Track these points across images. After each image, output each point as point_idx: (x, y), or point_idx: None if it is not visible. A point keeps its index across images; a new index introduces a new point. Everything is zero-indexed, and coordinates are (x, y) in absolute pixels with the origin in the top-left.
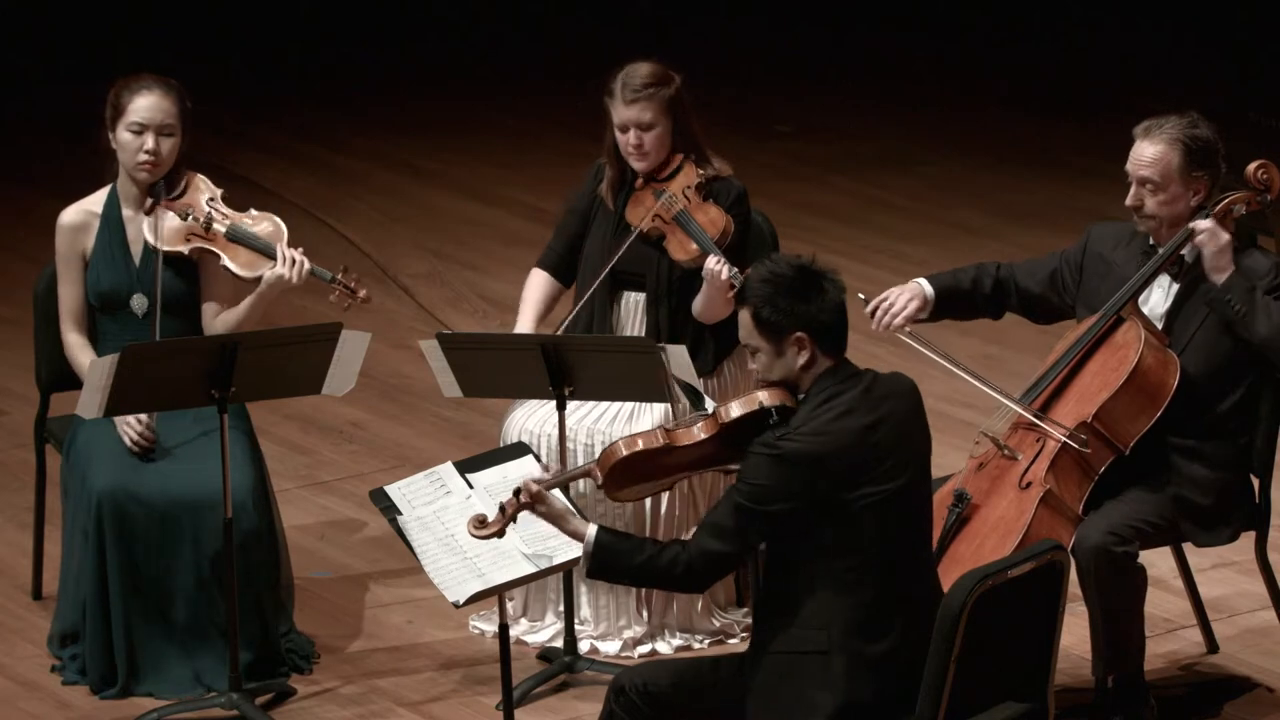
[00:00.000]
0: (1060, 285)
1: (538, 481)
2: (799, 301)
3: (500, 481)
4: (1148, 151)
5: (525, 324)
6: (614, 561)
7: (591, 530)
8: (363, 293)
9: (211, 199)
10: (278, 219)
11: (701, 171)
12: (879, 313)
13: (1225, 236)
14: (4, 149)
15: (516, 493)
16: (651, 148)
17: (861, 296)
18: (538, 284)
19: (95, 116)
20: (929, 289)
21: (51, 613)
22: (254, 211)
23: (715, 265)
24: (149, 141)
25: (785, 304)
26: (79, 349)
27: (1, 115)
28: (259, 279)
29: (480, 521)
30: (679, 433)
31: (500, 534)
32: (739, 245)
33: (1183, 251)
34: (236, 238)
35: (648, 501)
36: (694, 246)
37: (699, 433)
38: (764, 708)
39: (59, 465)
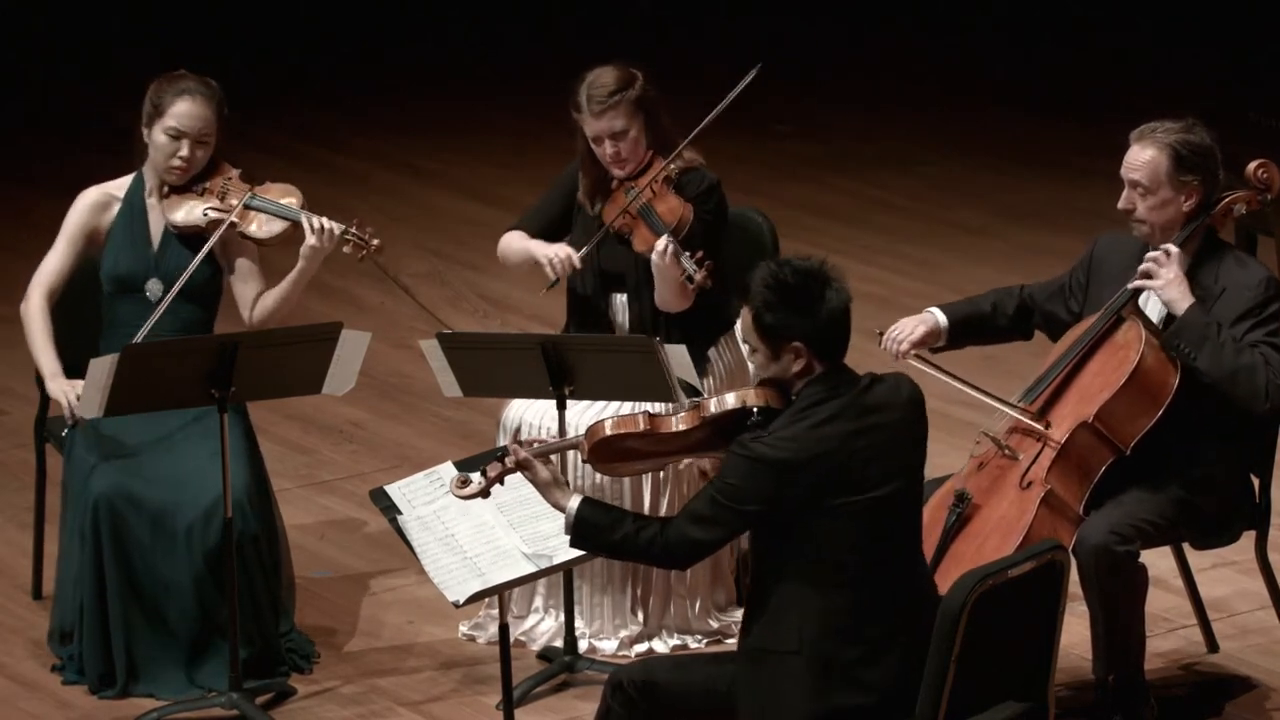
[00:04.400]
0: (1068, 297)
1: (525, 446)
2: (798, 312)
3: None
4: (1139, 155)
5: (542, 244)
6: (593, 535)
7: (574, 501)
8: (375, 241)
9: (228, 178)
10: (289, 185)
11: (668, 162)
12: (888, 341)
13: (1171, 272)
14: (4, 149)
15: (501, 457)
16: (629, 154)
17: (878, 332)
18: (523, 235)
19: (92, 117)
20: (941, 318)
21: (51, 612)
22: (269, 183)
23: (662, 244)
24: (183, 149)
25: (784, 313)
26: (40, 312)
27: (1, 115)
28: (276, 237)
29: (463, 481)
30: (661, 420)
31: (484, 495)
32: (703, 235)
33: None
34: (251, 205)
35: (630, 482)
36: (653, 236)
37: (680, 424)
38: (744, 702)
39: (59, 465)
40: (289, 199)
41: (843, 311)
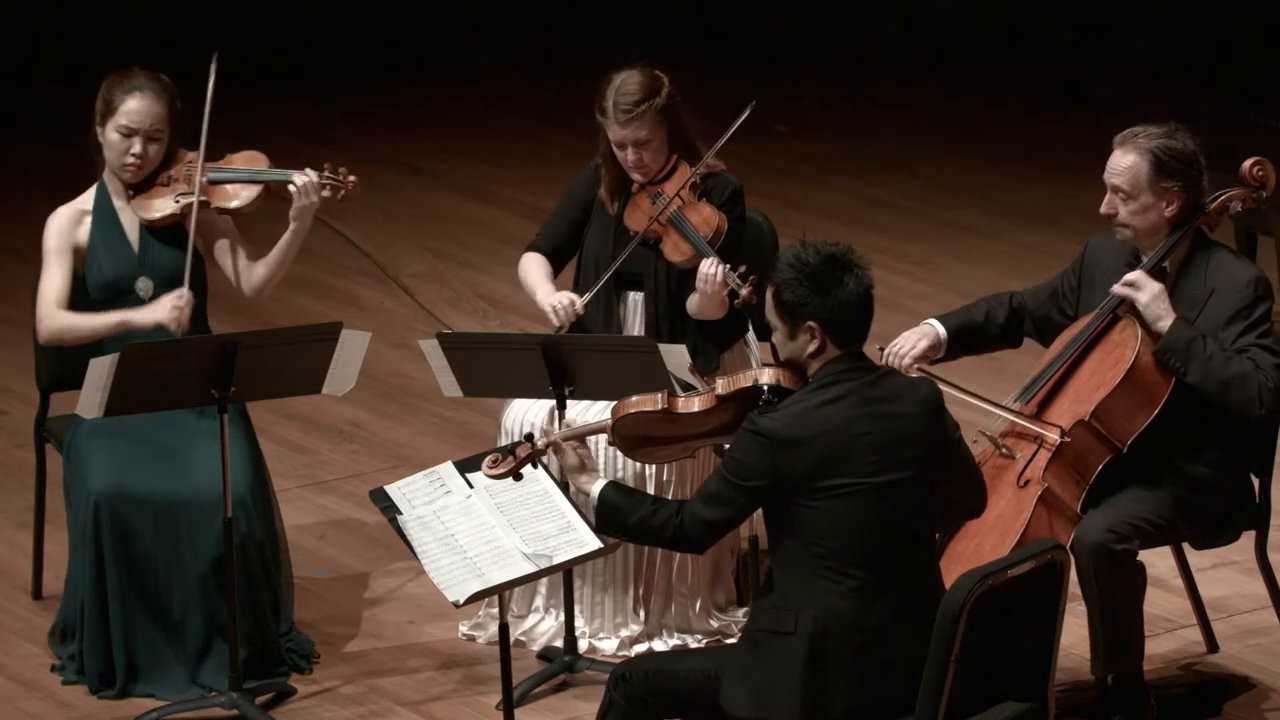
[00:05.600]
0: (1061, 300)
1: (553, 430)
2: (815, 292)
3: (500, 480)
4: (1120, 161)
5: (545, 291)
6: (613, 518)
7: (598, 487)
8: (352, 178)
9: (189, 162)
10: (254, 151)
11: (695, 170)
12: (890, 356)
13: (1154, 288)
14: (4, 149)
15: (529, 437)
16: (651, 161)
17: (878, 348)
18: (539, 262)
19: (93, 117)
20: (941, 329)
21: (52, 612)
22: (230, 155)
23: (709, 268)
24: (136, 145)
25: (802, 292)
26: (68, 315)
27: (1, 115)
28: (252, 203)
29: (494, 460)
30: (678, 400)
31: (514, 476)
32: (734, 241)
33: (1164, 264)
34: (221, 179)
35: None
36: (688, 247)
37: (697, 404)
38: (736, 682)
39: (59, 465)
40: (257, 164)
41: (860, 297)
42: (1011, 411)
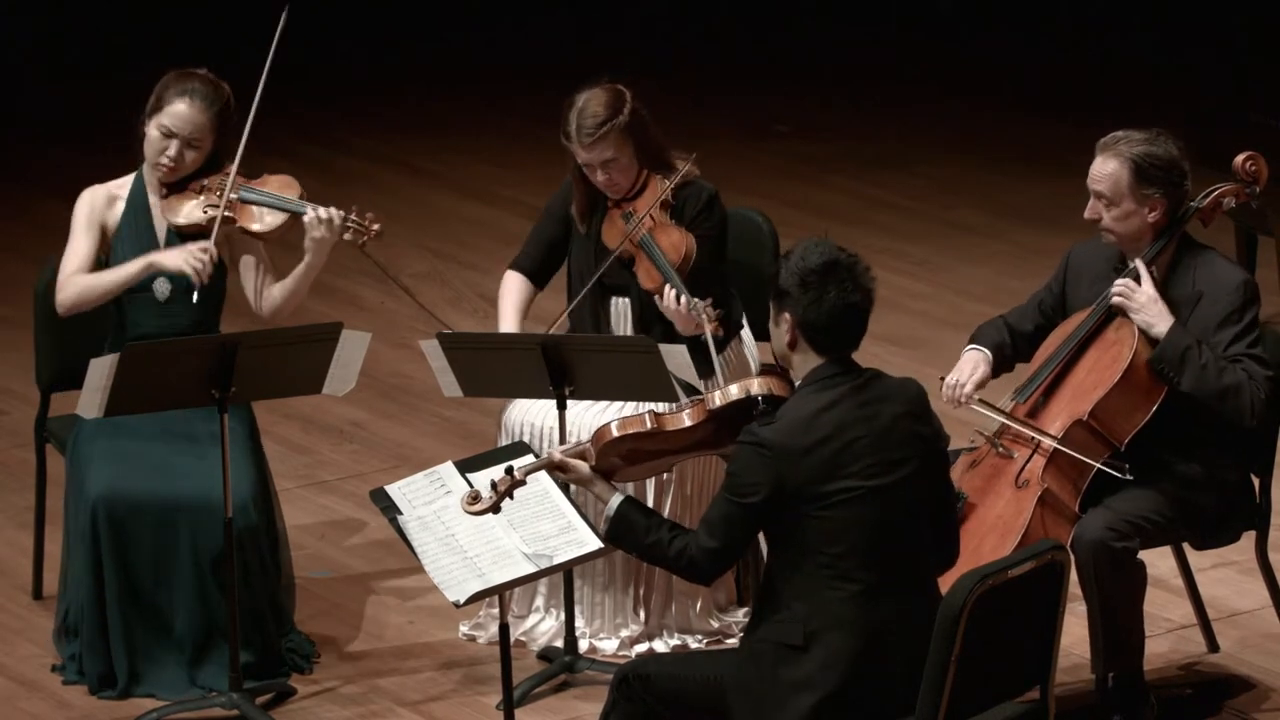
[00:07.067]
0: (1052, 313)
1: (529, 466)
2: (798, 287)
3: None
4: (1102, 168)
5: (510, 324)
6: (628, 534)
7: (615, 500)
8: (375, 226)
9: (227, 174)
10: (289, 177)
11: (667, 183)
12: (951, 390)
13: (1144, 296)
14: (3, 149)
15: (509, 470)
16: (621, 178)
17: (942, 378)
18: (515, 286)
19: (93, 116)
20: (986, 350)
21: (53, 613)
22: (267, 176)
23: (668, 302)
24: (172, 149)
25: (789, 282)
26: (86, 276)
27: (2, 115)
28: (276, 230)
29: (473, 497)
30: (667, 418)
31: (495, 510)
32: (715, 251)
33: (1150, 269)
34: (248, 200)
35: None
36: (658, 274)
37: (687, 419)
38: (742, 696)
39: (59, 465)
40: (288, 191)
41: (838, 309)
42: (1010, 416)
